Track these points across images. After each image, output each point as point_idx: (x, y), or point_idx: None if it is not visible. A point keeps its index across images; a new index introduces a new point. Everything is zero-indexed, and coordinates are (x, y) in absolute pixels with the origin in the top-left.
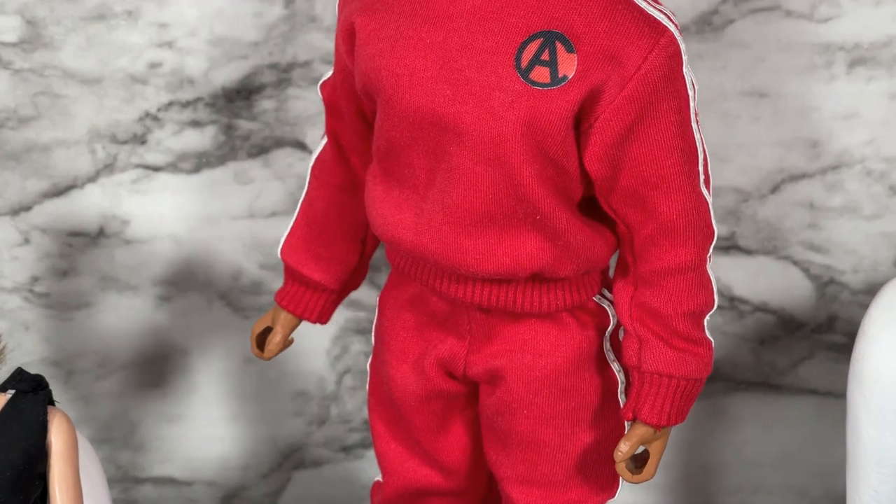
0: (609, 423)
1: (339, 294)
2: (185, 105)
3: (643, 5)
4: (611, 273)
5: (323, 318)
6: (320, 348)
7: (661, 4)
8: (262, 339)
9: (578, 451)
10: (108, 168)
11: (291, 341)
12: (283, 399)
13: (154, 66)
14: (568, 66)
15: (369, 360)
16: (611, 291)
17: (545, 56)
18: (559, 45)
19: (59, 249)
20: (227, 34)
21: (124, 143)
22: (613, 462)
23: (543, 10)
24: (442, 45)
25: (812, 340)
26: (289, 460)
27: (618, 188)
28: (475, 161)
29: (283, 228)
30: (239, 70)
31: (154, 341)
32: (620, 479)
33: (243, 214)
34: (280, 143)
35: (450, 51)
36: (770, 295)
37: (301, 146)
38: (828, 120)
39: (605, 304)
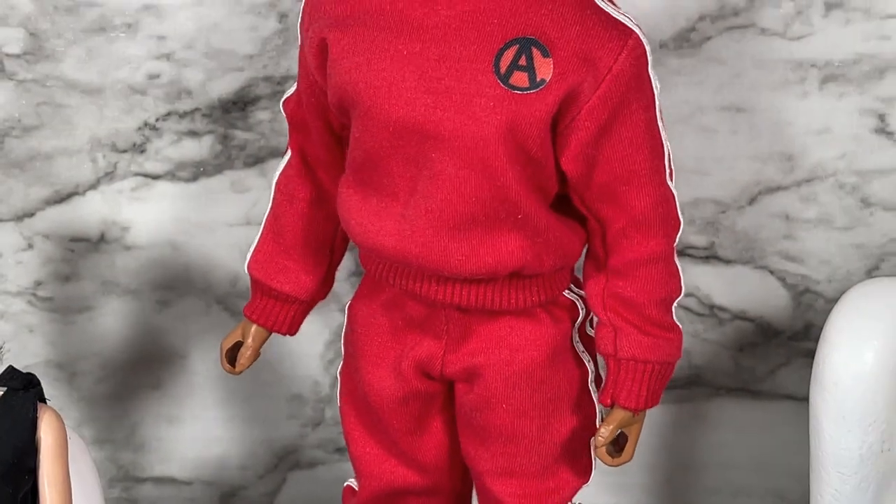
0: (581, 411)
1: (309, 305)
2: (183, 115)
3: (609, 9)
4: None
5: (293, 329)
6: (315, 353)
7: (620, 9)
8: (231, 354)
9: (555, 440)
10: (109, 176)
11: (259, 355)
12: (278, 402)
13: (153, 77)
14: (545, 70)
15: (339, 367)
16: (578, 286)
17: (522, 61)
18: (535, 51)
19: (61, 255)
20: (224, 47)
21: (124, 151)
22: (587, 449)
23: (516, 19)
24: (419, 55)
25: (789, 347)
26: (285, 461)
27: (592, 185)
28: (458, 166)
29: None
30: (235, 82)
31: (154, 344)
32: (593, 463)
33: (240, 222)
34: (275, 152)
35: (428, 60)
36: (748, 303)
37: None
38: (801, 134)
39: (574, 298)
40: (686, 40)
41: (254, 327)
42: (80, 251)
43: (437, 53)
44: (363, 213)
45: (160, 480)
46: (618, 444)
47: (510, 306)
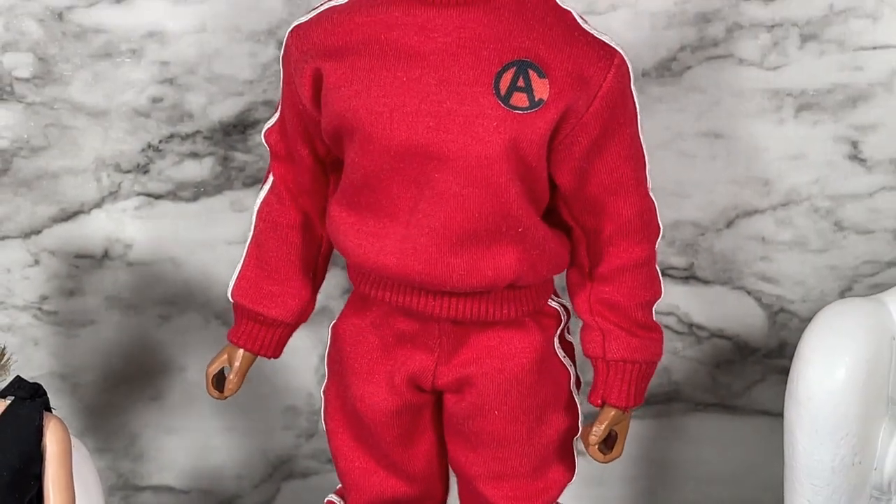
0: (566, 413)
1: (293, 327)
2: (185, 138)
3: (593, 31)
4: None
5: (277, 352)
6: (309, 366)
7: (599, 30)
8: (217, 379)
9: (543, 442)
10: (113, 195)
11: (243, 380)
12: (274, 413)
13: (156, 100)
14: (542, 90)
15: (323, 387)
16: (556, 294)
17: (521, 83)
18: (532, 72)
19: (66, 270)
20: (225, 72)
21: (128, 172)
22: (572, 447)
23: (511, 43)
24: (419, 80)
25: (764, 365)
26: (279, 471)
27: (581, 196)
28: (462, 184)
29: None
30: (235, 106)
31: (154, 357)
32: (576, 459)
33: (238, 240)
34: None
35: (428, 86)
36: (725, 322)
37: None
38: (777, 160)
39: (558, 306)
40: (667, 69)
41: (240, 352)
42: (85, 267)
43: (436, 78)
44: (361, 234)
45: (158, 489)
46: (607, 442)
47: (503, 317)
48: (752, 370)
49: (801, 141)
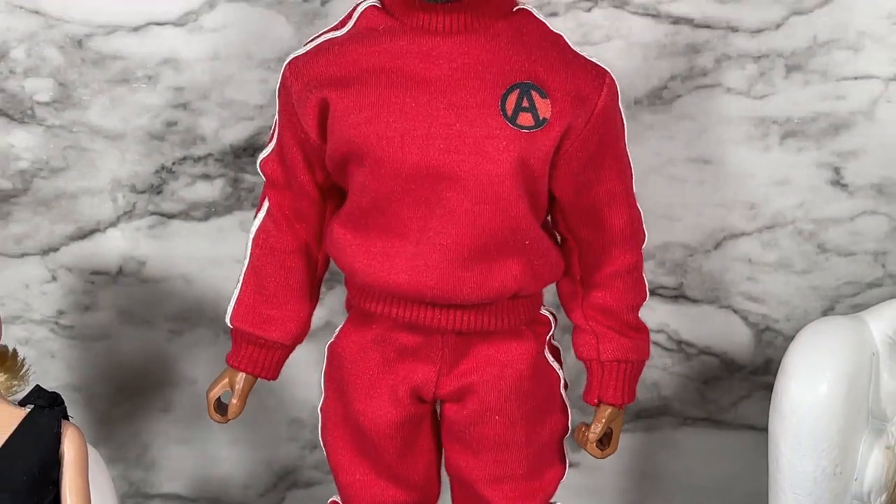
0: (558, 414)
1: (290, 349)
2: (197, 160)
3: (584, 54)
4: None
5: (276, 373)
6: (313, 380)
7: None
8: (217, 403)
9: (539, 443)
10: (128, 215)
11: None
12: (279, 425)
13: (170, 124)
14: (545, 109)
15: (320, 404)
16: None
17: (525, 103)
18: (534, 93)
19: (82, 286)
20: (236, 98)
21: (142, 192)
22: (562, 446)
23: (512, 67)
24: (427, 105)
25: (750, 381)
26: (284, 481)
27: (578, 208)
28: (473, 202)
29: None
30: (245, 130)
31: (165, 370)
32: (567, 454)
33: None
34: None
35: (437, 110)
36: (713, 340)
37: None
38: (763, 185)
39: (548, 314)
40: (658, 98)
41: (241, 376)
42: (100, 284)
43: (445, 102)
44: (370, 255)
45: (168, 497)
46: (603, 439)
47: (503, 326)
48: (738, 386)
49: (785, 167)
